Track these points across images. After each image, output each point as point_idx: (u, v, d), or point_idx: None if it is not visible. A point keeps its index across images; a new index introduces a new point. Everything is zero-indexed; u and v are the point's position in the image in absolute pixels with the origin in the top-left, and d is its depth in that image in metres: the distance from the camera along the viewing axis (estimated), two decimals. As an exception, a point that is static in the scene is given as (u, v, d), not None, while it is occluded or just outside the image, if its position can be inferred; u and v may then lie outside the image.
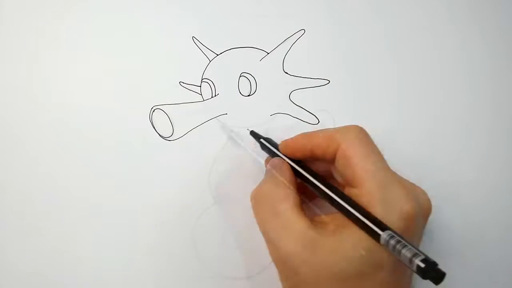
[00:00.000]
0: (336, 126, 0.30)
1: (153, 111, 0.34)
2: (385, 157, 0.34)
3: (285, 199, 0.27)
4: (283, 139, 0.31)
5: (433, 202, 0.29)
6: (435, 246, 0.34)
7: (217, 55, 0.35)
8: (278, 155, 0.31)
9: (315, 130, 0.30)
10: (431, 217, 0.29)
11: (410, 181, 0.29)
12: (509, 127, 0.35)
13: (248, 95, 0.35)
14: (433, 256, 0.23)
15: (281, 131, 0.34)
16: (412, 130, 0.35)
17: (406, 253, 0.23)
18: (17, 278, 0.33)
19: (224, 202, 0.34)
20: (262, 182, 0.30)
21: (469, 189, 0.35)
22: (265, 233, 0.28)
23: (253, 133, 0.33)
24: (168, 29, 0.35)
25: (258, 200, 0.29)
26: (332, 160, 0.28)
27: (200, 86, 0.35)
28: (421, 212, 0.27)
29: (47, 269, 0.33)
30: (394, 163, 0.34)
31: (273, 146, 0.31)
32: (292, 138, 0.30)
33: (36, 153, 0.34)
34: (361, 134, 0.28)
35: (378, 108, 0.35)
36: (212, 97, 0.35)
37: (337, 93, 0.35)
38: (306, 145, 0.29)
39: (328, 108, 0.35)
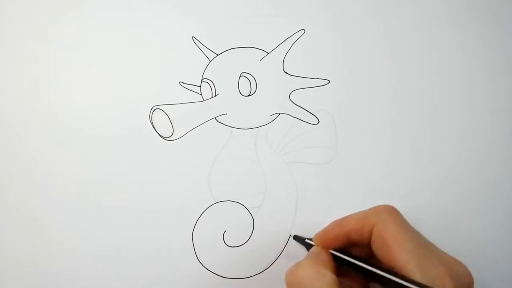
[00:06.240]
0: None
1: (153, 111, 0.34)
2: (384, 155, 0.35)
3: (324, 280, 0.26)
4: (316, 232, 0.31)
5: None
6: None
7: (217, 55, 0.35)
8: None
9: (347, 215, 0.31)
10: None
11: (451, 255, 0.28)
12: (509, 127, 0.35)
13: (248, 95, 0.35)
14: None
15: (281, 131, 0.35)
16: (411, 130, 0.35)
17: None
18: (17, 277, 0.33)
19: (224, 202, 0.34)
20: (299, 264, 0.28)
21: (469, 188, 0.35)
22: None
23: (296, 237, 0.33)
24: (168, 29, 0.35)
25: (294, 284, 0.28)
26: (368, 243, 0.29)
27: (200, 86, 0.35)
28: None
29: (47, 268, 0.33)
30: (393, 162, 0.35)
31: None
32: (324, 229, 0.31)
33: (36, 152, 0.34)
34: (393, 213, 0.28)
35: (378, 108, 0.35)
36: (212, 97, 0.35)
37: (337, 93, 0.35)
38: (340, 232, 0.30)
39: (328, 108, 0.35)
